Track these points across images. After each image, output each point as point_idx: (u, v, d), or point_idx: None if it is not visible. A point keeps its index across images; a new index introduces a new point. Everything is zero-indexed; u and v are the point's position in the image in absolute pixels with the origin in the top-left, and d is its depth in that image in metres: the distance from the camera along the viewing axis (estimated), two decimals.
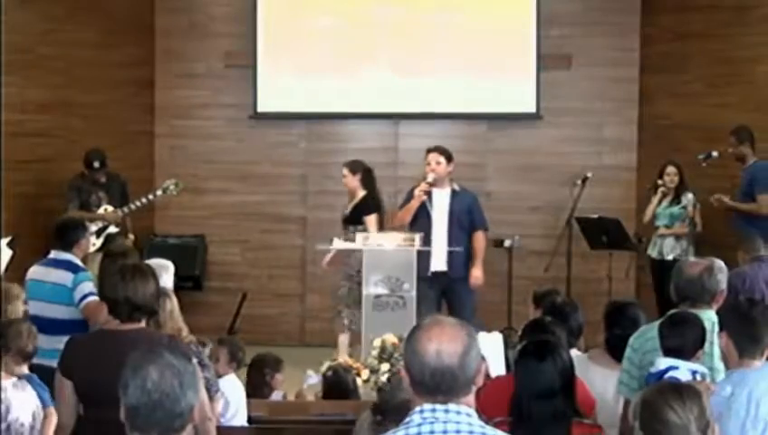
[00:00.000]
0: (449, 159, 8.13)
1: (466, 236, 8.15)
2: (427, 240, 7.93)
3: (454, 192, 8.16)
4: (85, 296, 5.93)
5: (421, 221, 8.05)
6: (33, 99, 9.34)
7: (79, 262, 6.14)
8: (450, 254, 8.04)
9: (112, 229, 8.90)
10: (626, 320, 4.95)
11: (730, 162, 8.87)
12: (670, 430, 2.98)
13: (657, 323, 4.57)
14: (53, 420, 4.51)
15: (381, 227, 8.46)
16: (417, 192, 8.03)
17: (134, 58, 10.12)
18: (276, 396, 6.11)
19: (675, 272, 4.68)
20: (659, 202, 8.99)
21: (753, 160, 8.81)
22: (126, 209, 8.97)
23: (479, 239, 8.20)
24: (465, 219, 8.15)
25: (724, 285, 4.58)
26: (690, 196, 8.86)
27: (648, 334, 4.53)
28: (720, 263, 4.67)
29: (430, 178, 8.04)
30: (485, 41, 9.94)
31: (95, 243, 8.68)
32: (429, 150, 8.17)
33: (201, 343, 5.69)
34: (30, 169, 9.25)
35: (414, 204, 8.04)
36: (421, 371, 2.63)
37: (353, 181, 8.42)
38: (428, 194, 8.07)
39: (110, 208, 8.95)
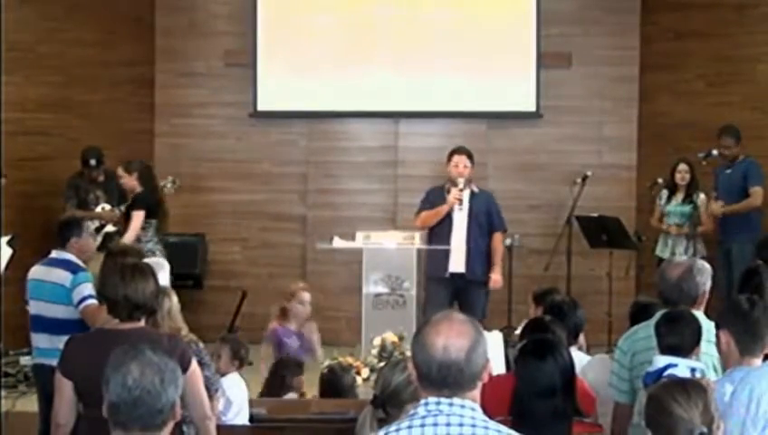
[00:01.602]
0: (472, 160, 8.14)
1: (485, 237, 8.13)
2: (446, 241, 7.92)
3: (473, 193, 8.15)
4: (84, 299, 5.88)
5: (442, 222, 8.01)
6: (32, 97, 9.34)
7: (79, 262, 6.10)
8: (468, 255, 8.00)
9: (110, 228, 8.90)
10: (649, 319, 4.95)
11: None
12: (675, 422, 3.03)
13: (644, 325, 4.58)
14: None
15: (162, 225, 8.43)
16: (451, 198, 7.95)
17: (134, 57, 10.11)
18: (290, 397, 6.09)
19: (658, 274, 4.67)
20: (668, 200, 8.97)
21: (743, 157, 8.84)
22: (123, 208, 8.97)
23: (498, 241, 8.21)
24: (485, 220, 8.14)
25: (705, 287, 4.53)
26: (702, 196, 8.83)
27: (636, 336, 4.53)
28: (702, 263, 4.64)
29: (461, 183, 8.00)
30: (485, 39, 9.94)
31: None
32: (456, 152, 8.12)
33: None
34: (30, 168, 9.26)
35: (445, 208, 7.98)
36: (428, 365, 2.67)
37: (131, 181, 8.42)
38: (447, 195, 8.04)
39: (108, 207, 8.95)
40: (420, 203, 8.26)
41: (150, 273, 4.25)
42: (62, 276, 5.98)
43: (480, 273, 8.06)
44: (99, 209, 8.94)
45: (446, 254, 7.92)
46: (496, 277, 8.11)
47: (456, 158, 8.10)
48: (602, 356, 5.37)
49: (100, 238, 8.85)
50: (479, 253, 8.04)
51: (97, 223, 8.85)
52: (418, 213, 8.19)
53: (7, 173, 8.40)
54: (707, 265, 4.63)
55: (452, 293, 8.05)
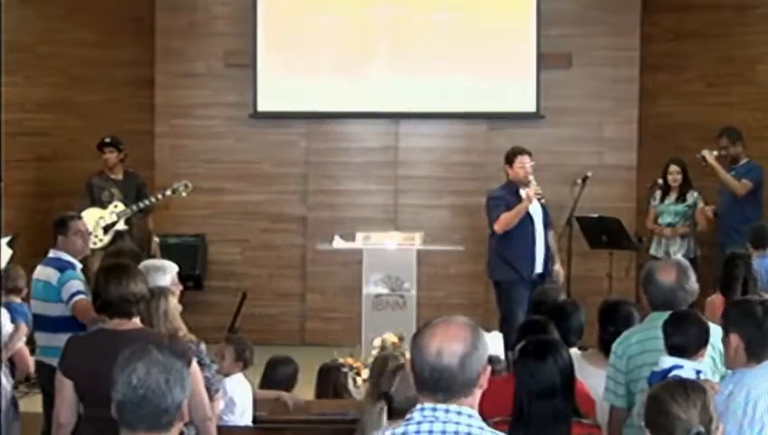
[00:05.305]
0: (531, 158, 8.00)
1: None
2: (530, 242, 7.78)
3: None
4: (73, 295, 5.92)
5: (524, 223, 7.79)
6: (32, 98, 9.35)
7: (70, 259, 6.12)
8: (546, 253, 7.92)
9: (120, 227, 8.90)
10: (619, 318, 4.98)
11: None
12: (673, 422, 3.03)
13: (638, 328, 4.61)
14: (20, 331, 5.68)
15: None
16: (532, 193, 7.73)
17: (134, 57, 10.11)
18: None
19: (647, 278, 4.64)
20: (661, 199, 8.99)
21: (746, 160, 8.85)
22: (134, 207, 8.97)
23: (551, 236, 8.14)
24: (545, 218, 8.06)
25: (696, 286, 4.60)
26: (696, 194, 8.86)
27: (630, 339, 4.53)
28: (686, 263, 4.71)
29: (534, 181, 7.81)
30: (486, 40, 9.94)
31: (102, 239, 8.74)
32: (520, 153, 7.89)
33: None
34: (30, 168, 9.27)
35: (524, 206, 7.73)
36: (421, 368, 2.65)
37: None
38: (518, 195, 7.83)
39: (121, 206, 8.95)
40: (493, 208, 7.85)
41: (126, 273, 4.31)
42: (50, 274, 6.04)
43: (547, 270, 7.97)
44: (112, 207, 8.94)
45: (533, 255, 7.78)
46: (559, 268, 8.11)
47: (520, 158, 7.86)
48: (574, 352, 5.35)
49: (110, 236, 8.86)
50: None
51: (108, 221, 8.85)
52: (497, 218, 7.77)
53: (8, 174, 8.39)
54: (689, 264, 4.72)
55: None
